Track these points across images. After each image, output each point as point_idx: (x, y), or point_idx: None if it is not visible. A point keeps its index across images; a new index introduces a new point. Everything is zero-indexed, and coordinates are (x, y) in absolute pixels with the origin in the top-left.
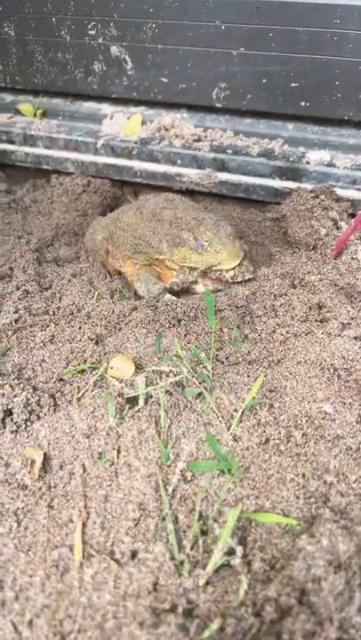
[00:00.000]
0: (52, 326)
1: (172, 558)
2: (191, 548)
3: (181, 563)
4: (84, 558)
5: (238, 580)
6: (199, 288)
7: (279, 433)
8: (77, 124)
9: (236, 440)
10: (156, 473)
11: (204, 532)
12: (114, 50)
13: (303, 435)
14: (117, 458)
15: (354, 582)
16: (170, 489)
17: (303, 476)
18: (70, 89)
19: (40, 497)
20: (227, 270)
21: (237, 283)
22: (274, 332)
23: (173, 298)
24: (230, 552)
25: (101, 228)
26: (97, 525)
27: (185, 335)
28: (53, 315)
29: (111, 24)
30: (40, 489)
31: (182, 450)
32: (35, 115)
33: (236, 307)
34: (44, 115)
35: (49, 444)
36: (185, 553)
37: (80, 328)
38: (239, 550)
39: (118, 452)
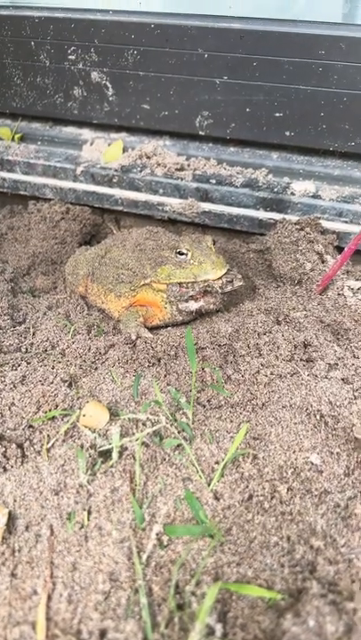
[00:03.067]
0: (23, 365)
1: (145, 639)
2: (166, 626)
3: None
4: (47, 638)
5: None
6: (192, 306)
7: (263, 488)
8: (57, 150)
9: (217, 498)
10: (129, 537)
11: (180, 607)
12: (94, 75)
13: (288, 489)
14: (88, 519)
15: None
16: (144, 556)
17: (288, 539)
18: (50, 113)
19: (2, 563)
20: (214, 280)
21: (228, 292)
22: (258, 372)
23: (150, 335)
24: (209, 631)
25: (85, 263)
26: (63, 599)
27: (165, 375)
28: (26, 352)
29: (92, 49)
30: (3, 553)
31: (159, 510)
32: (12, 139)
33: (219, 345)
34: (22, 139)
35: (15, 500)
36: (159, 632)
37: (53, 368)
38: (219, 629)
39: (89, 512)
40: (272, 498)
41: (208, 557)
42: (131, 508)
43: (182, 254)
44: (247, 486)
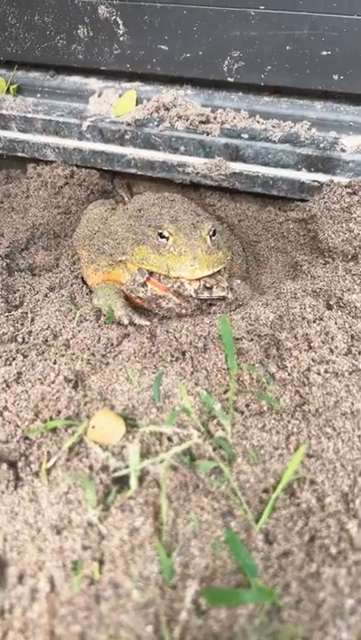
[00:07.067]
0: (19, 359)
1: None
2: None
3: None
4: None
5: None
6: (162, 304)
7: (328, 526)
8: (59, 103)
9: (268, 540)
10: (155, 600)
11: None
12: (102, 10)
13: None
14: (99, 572)
15: None
16: (177, 628)
17: None
18: (50, 59)
19: None
20: (189, 281)
21: (203, 300)
22: (309, 370)
23: (148, 322)
24: None
25: (88, 222)
26: None
27: (192, 372)
28: (22, 342)
29: None
30: None
31: (193, 559)
32: (7, 91)
33: (259, 335)
34: (18, 91)
35: (5, 540)
36: None
37: (55, 362)
38: None
39: (101, 562)
40: (340, 540)
41: (262, 629)
42: (156, 556)
43: (163, 237)
44: (306, 523)
